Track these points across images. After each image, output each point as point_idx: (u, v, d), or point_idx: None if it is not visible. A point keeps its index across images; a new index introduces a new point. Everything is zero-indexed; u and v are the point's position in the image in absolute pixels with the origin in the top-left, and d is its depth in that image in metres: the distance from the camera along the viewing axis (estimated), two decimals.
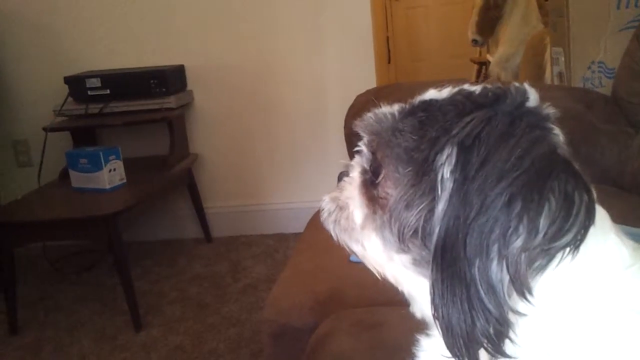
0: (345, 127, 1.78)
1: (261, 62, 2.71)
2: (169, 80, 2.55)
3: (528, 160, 0.47)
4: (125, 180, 2.32)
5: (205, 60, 2.72)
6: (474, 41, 3.82)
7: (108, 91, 2.53)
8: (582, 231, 0.48)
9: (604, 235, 0.53)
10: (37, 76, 2.78)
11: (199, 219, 2.78)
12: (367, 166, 0.60)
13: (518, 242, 0.46)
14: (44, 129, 2.49)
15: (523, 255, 0.47)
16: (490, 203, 0.46)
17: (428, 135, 0.52)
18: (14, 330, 2.16)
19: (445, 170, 0.49)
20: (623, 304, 0.51)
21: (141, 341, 2.05)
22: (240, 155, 2.82)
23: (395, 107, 0.58)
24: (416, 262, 0.55)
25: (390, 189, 0.55)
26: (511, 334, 0.48)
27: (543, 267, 0.49)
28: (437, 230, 0.50)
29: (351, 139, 1.43)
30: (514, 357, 0.49)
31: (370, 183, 0.59)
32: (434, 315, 0.51)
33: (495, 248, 0.47)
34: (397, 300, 0.62)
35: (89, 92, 2.54)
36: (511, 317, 0.48)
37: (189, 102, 2.73)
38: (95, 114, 2.52)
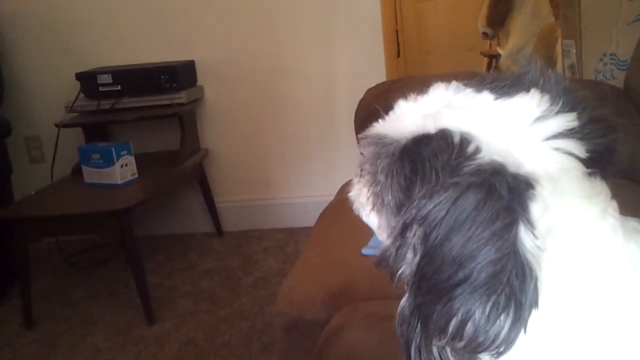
0: (355, 121, 1.78)
1: (271, 57, 2.71)
2: (180, 75, 2.56)
3: (478, 261, 0.47)
4: (137, 176, 2.33)
5: (215, 55, 2.73)
6: (484, 34, 3.80)
7: (119, 87, 2.55)
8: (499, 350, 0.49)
9: (611, 239, 0.52)
10: (48, 72, 2.80)
11: (210, 213, 2.80)
12: (369, 189, 0.61)
13: (442, 341, 0.50)
14: (56, 125, 2.51)
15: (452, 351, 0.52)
16: (433, 296, 0.50)
17: (412, 195, 0.53)
18: (29, 325, 2.18)
19: (416, 240, 0.51)
20: (636, 309, 0.51)
21: (154, 334, 2.07)
22: (250, 149, 2.82)
23: (394, 139, 0.57)
24: None
25: (383, 231, 0.59)
26: None
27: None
28: (413, 278, 0.52)
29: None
30: None
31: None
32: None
33: (435, 336, 0.50)
34: None
35: (101, 88, 2.55)
36: None
37: (199, 98, 2.73)
38: (106, 110, 2.53)
